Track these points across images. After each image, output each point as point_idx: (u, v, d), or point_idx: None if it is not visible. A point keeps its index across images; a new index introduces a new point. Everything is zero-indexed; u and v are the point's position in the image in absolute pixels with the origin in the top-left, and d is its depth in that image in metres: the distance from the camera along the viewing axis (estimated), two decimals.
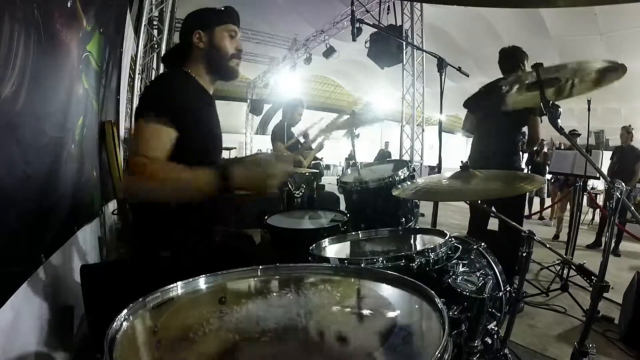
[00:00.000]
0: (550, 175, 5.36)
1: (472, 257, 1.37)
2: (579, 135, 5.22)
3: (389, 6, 6.98)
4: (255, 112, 16.56)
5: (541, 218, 6.81)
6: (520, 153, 2.65)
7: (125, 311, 0.67)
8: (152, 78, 5.98)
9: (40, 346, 1.27)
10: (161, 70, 6.17)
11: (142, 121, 1.15)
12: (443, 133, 2.19)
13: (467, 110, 2.61)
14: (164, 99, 1.20)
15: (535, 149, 5.07)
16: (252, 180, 1.08)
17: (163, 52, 5.92)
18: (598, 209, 5.47)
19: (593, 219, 6.41)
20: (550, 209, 6.36)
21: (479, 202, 1.97)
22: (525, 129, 2.56)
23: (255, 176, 1.08)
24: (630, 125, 4.84)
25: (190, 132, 1.22)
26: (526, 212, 5.88)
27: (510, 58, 2.47)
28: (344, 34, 9.66)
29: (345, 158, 13.65)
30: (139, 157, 1.11)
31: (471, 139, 2.78)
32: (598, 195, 6.97)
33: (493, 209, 2.49)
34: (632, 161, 4.62)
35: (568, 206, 5.23)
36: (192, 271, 0.85)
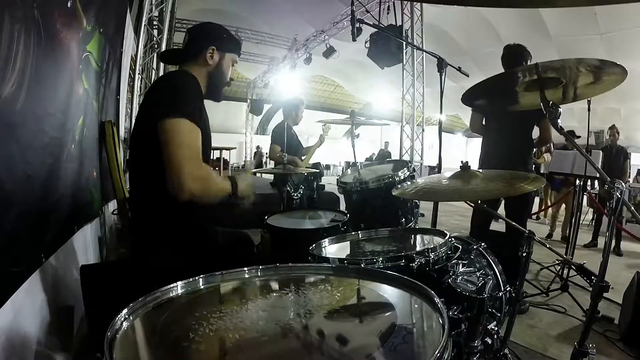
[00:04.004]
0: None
1: (472, 257, 1.37)
2: (578, 137, 5.26)
3: (389, 6, 6.98)
4: (255, 112, 16.57)
5: (537, 217, 6.83)
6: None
7: (125, 311, 0.67)
8: (156, 77, 5.99)
9: (40, 346, 1.27)
10: (161, 70, 6.18)
11: (178, 121, 1.14)
12: (443, 133, 2.19)
13: (471, 110, 2.60)
14: (191, 98, 1.22)
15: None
16: (246, 190, 1.33)
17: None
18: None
19: (593, 218, 6.42)
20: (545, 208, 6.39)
21: (479, 202, 1.97)
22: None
23: (245, 186, 1.33)
24: (614, 125, 5.01)
25: (203, 132, 1.24)
26: None
27: (515, 55, 2.46)
28: (344, 34, 9.67)
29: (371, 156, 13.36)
30: (191, 156, 1.14)
31: (472, 139, 2.79)
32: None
33: (502, 207, 2.50)
34: (621, 160, 4.77)
35: (563, 205, 5.29)
36: (191, 271, 0.85)
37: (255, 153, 17.11)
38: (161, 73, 6.10)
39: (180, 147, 1.13)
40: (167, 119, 1.14)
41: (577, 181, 3.39)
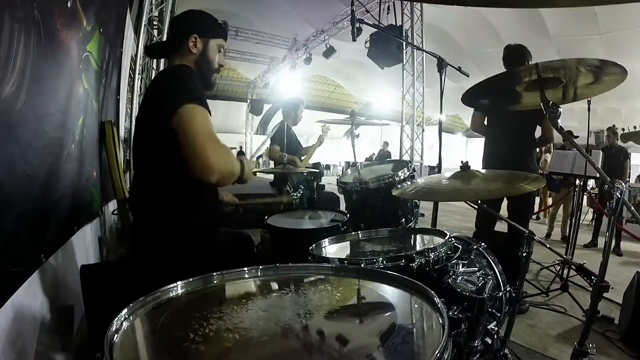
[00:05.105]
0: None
1: (472, 257, 1.37)
2: (576, 137, 5.24)
3: (389, 6, 6.98)
4: (255, 112, 16.57)
5: (537, 217, 6.84)
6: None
7: (125, 311, 0.67)
8: (154, 76, 5.98)
9: (40, 346, 1.27)
10: (161, 69, 6.17)
11: (194, 106, 1.14)
12: (443, 133, 2.19)
13: (473, 109, 2.59)
14: (194, 86, 1.22)
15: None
16: (248, 173, 1.31)
17: None
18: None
19: (593, 218, 6.42)
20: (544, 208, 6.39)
21: (480, 202, 1.97)
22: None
23: (249, 169, 1.31)
24: (614, 125, 4.98)
25: None
26: None
27: (517, 55, 2.46)
28: (344, 34, 9.67)
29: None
30: (213, 136, 1.15)
31: (472, 139, 2.78)
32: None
33: (505, 206, 2.50)
34: (621, 160, 4.77)
35: (561, 205, 5.28)
36: (191, 271, 0.85)
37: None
38: None
39: (200, 131, 1.13)
40: (182, 107, 1.13)
41: (577, 181, 3.39)
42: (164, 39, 5.88)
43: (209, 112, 1.24)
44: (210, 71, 1.41)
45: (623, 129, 5.79)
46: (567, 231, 4.86)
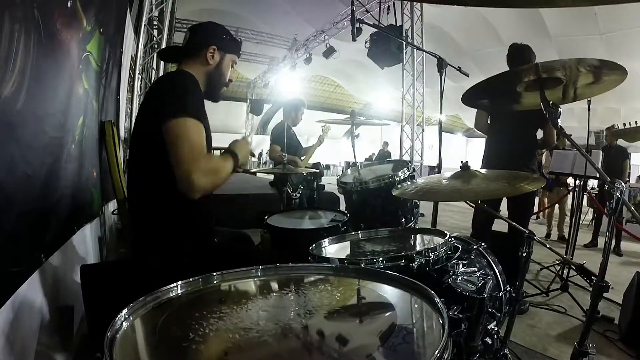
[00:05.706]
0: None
1: (472, 257, 1.37)
2: (569, 135, 5.22)
3: (389, 6, 6.98)
4: (255, 112, 16.58)
5: (537, 217, 6.85)
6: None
7: (125, 311, 0.67)
8: (156, 77, 5.98)
9: (40, 346, 1.27)
10: (161, 70, 6.18)
11: (185, 120, 1.15)
12: (443, 133, 2.19)
13: (476, 109, 2.58)
14: (192, 98, 1.23)
15: None
16: (244, 159, 1.33)
17: None
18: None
19: (593, 218, 6.42)
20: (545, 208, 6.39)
21: (479, 202, 1.97)
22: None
23: (244, 155, 1.33)
24: (614, 126, 4.95)
25: (205, 128, 1.26)
26: None
27: (520, 55, 2.46)
28: (344, 34, 9.68)
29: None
30: (200, 154, 1.16)
31: (472, 139, 2.78)
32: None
33: (505, 208, 2.49)
34: (620, 160, 4.77)
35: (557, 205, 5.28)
36: (192, 271, 0.85)
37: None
38: (161, 73, 6.10)
39: (187, 146, 1.14)
40: (172, 120, 1.14)
41: (577, 181, 3.39)
42: (163, 40, 5.90)
43: (206, 123, 1.25)
44: (220, 84, 1.44)
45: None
46: (564, 231, 4.87)
